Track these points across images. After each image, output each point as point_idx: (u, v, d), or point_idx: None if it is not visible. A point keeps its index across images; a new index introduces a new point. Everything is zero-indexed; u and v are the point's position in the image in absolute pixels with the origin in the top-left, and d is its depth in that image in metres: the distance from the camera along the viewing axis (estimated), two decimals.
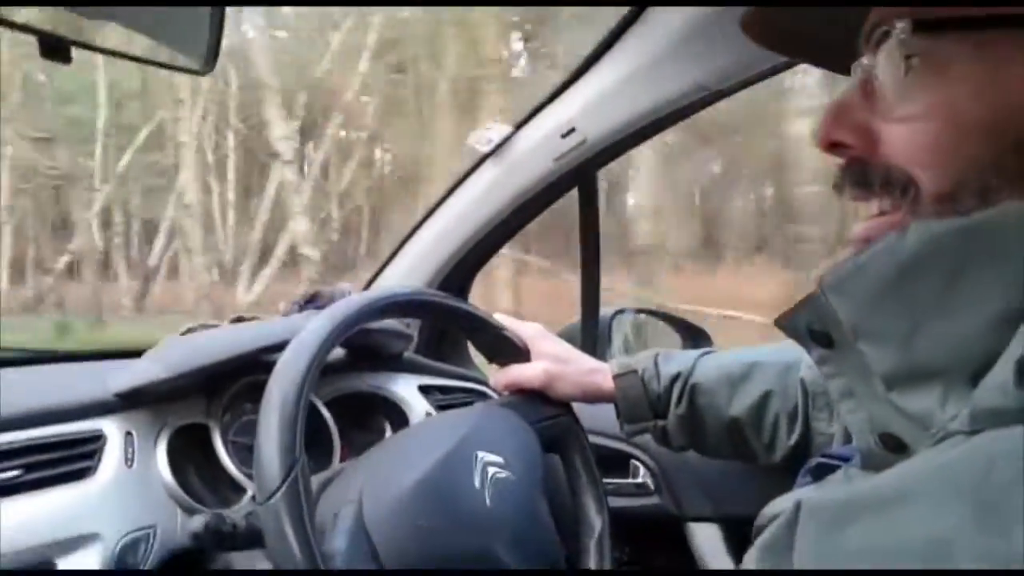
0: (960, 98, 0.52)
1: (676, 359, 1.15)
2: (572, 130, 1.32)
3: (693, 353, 1.16)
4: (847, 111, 0.58)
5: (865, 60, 0.58)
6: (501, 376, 1.15)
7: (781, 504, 0.62)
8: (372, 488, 0.89)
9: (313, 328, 0.91)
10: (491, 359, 1.17)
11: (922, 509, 0.41)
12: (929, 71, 0.53)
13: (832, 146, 0.59)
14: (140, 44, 0.75)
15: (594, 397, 1.15)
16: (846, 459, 0.68)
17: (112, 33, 0.72)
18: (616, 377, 1.15)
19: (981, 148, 0.51)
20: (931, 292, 0.51)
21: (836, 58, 0.64)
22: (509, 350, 1.14)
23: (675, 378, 1.12)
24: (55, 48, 0.63)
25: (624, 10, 1.16)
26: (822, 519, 0.46)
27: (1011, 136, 0.51)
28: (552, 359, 1.14)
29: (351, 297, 0.98)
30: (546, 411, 1.11)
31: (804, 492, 0.65)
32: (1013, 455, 0.40)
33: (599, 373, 1.16)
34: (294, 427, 0.83)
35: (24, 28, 0.62)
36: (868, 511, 0.44)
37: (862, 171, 0.58)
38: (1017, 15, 0.51)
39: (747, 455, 1.11)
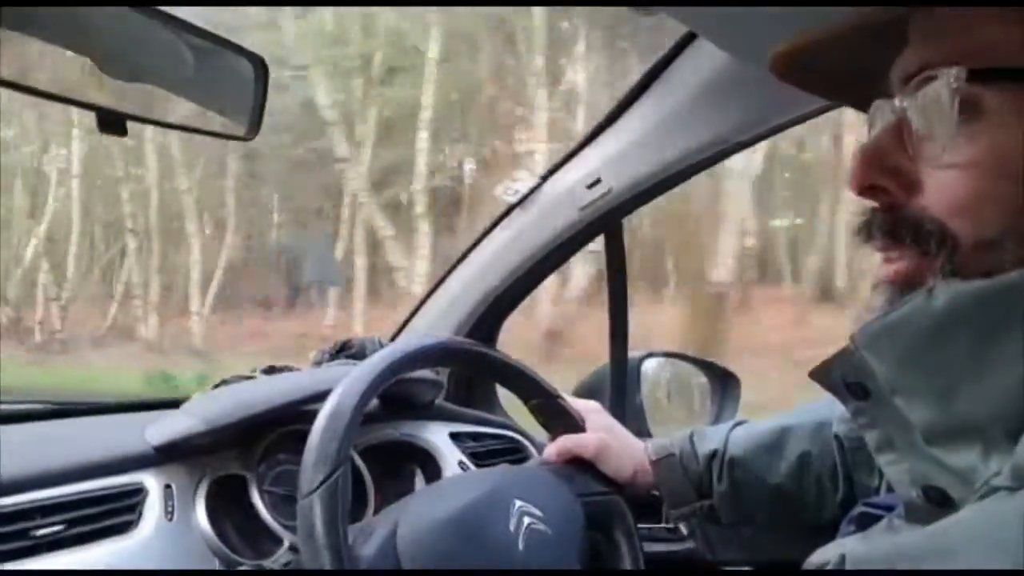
0: (1006, 147, 0.52)
1: (709, 436, 1.14)
2: (598, 180, 1.35)
3: (724, 427, 1.15)
4: (882, 154, 0.58)
5: (898, 102, 0.58)
6: (553, 445, 1.14)
7: (826, 553, 0.62)
8: (408, 515, 0.91)
9: (377, 357, 0.96)
10: (546, 427, 1.16)
11: (964, 564, 0.42)
12: (977, 119, 0.53)
13: (868, 190, 0.59)
14: (188, 114, 0.78)
15: (641, 476, 1.14)
16: (890, 508, 0.67)
17: (162, 104, 0.75)
18: (654, 463, 1.14)
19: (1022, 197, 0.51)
20: (963, 352, 0.51)
21: (854, 94, 0.65)
22: (565, 420, 1.15)
23: (712, 456, 1.11)
24: (111, 122, 0.66)
25: (646, 66, 1.19)
26: (868, 572, 0.47)
27: None
28: (606, 432, 1.15)
29: (398, 343, 1.01)
30: (596, 487, 1.11)
31: (849, 543, 0.65)
32: None
33: (645, 453, 1.16)
34: (344, 435, 0.87)
35: (83, 104, 0.66)
36: (913, 565, 0.44)
37: (893, 220, 0.57)
38: None
39: (798, 521, 1.09)
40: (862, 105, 0.64)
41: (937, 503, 0.56)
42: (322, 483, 0.83)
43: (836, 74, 0.65)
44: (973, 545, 0.42)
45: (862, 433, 0.64)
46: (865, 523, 0.69)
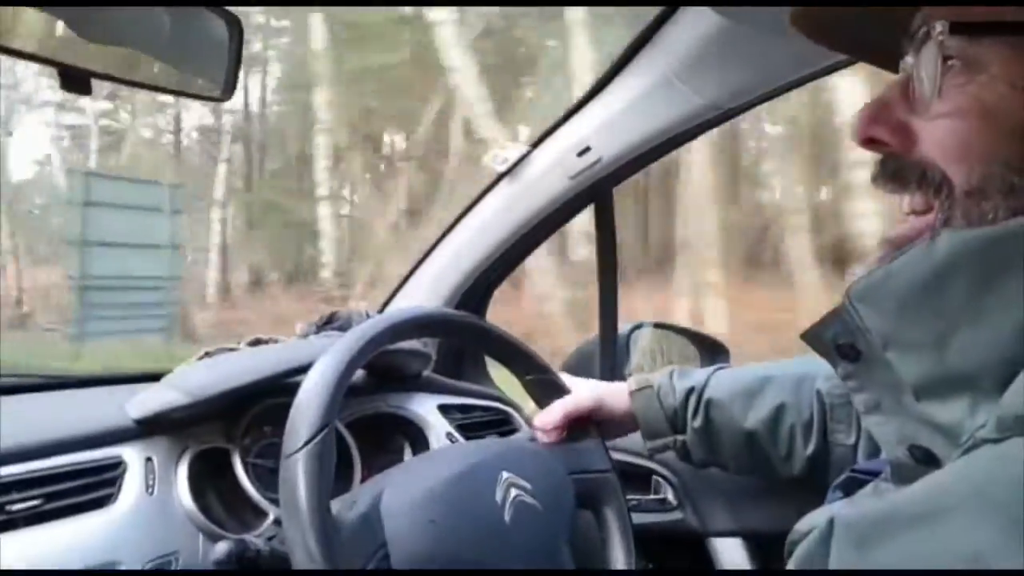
0: (993, 98, 0.53)
1: (691, 375, 1.16)
2: (587, 149, 1.33)
3: (708, 369, 1.17)
4: (886, 109, 0.60)
5: (908, 59, 0.59)
6: (547, 414, 1.12)
7: (814, 519, 0.63)
8: (394, 484, 0.91)
9: (365, 326, 0.95)
10: (539, 402, 1.16)
11: (955, 524, 0.42)
12: (965, 71, 0.54)
13: (869, 142, 0.60)
14: (160, 74, 0.76)
15: (631, 416, 1.15)
16: (876, 473, 0.67)
17: (132, 63, 0.72)
18: (632, 393, 1.15)
19: (1009, 147, 0.53)
20: (961, 300, 0.52)
21: (885, 56, 0.64)
22: (558, 395, 1.14)
23: (689, 392, 1.13)
24: (75, 79, 0.64)
25: (636, 31, 1.17)
26: (857, 535, 0.47)
27: None
28: (595, 385, 1.17)
29: (386, 314, 1.00)
30: (588, 464, 1.10)
31: (837, 507, 0.65)
32: None
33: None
34: (330, 398, 0.86)
35: (44, 60, 0.63)
36: (903, 527, 0.44)
37: (898, 167, 0.59)
38: None
39: (766, 468, 1.12)
40: (891, 65, 0.64)
41: (922, 462, 0.57)
42: (306, 443, 0.82)
43: (864, 33, 0.65)
44: (957, 502, 0.43)
45: (852, 396, 0.64)
46: (852, 488, 0.70)
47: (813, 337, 0.63)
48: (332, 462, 0.85)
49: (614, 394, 1.16)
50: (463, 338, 1.18)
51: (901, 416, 0.59)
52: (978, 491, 0.42)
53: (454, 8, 9.02)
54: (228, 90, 0.77)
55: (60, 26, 0.68)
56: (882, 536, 0.45)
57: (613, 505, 1.09)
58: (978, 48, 0.54)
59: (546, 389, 1.14)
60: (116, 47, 0.71)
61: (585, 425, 1.13)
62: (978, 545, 0.39)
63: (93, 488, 0.97)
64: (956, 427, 0.52)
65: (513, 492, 0.94)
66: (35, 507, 0.91)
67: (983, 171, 0.53)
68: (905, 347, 0.55)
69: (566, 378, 1.19)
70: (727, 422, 1.10)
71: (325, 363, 0.90)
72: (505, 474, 0.95)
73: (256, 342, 1.34)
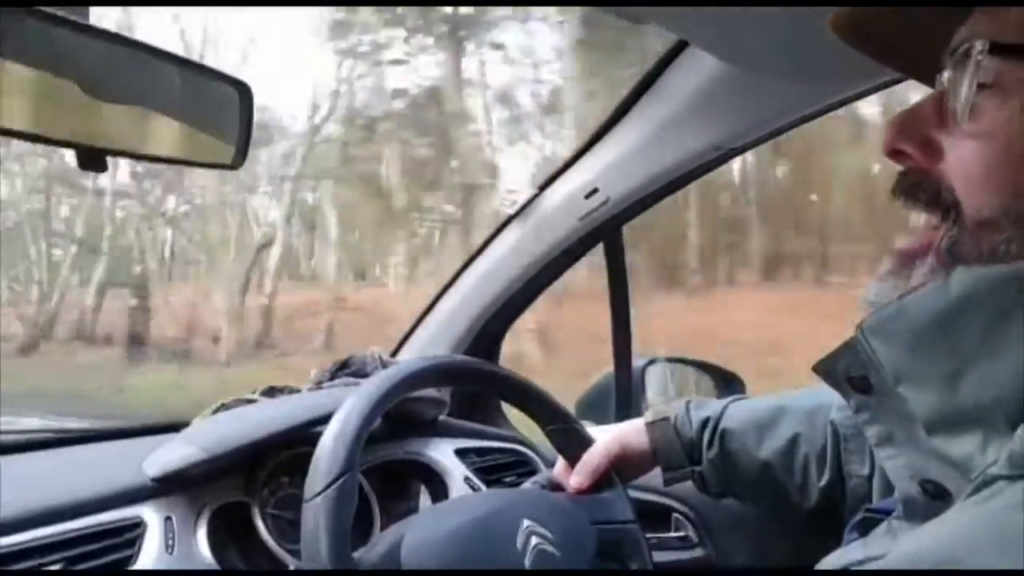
0: (1018, 123, 0.52)
1: (707, 405, 1.15)
2: (595, 190, 1.35)
3: (724, 400, 1.16)
4: (916, 122, 0.59)
5: (946, 74, 0.58)
6: (580, 477, 1.12)
7: (832, 562, 0.62)
8: (415, 527, 0.91)
9: (386, 375, 0.96)
10: (562, 451, 1.16)
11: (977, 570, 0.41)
12: (1000, 94, 0.54)
13: (895, 153, 0.60)
14: (173, 145, 0.76)
15: (654, 454, 1.15)
16: (890, 512, 0.67)
17: (145, 137, 0.73)
18: (649, 425, 1.15)
19: None
20: (974, 336, 0.52)
21: (923, 67, 0.64)
22: (582, 444, 1.14)
23: (705, 423, 1.13)
24: (92, 159, 0.65)
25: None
26: None
27: None
28: (614, 429, 1.16)
29: (414, 360, 1.00)
30: (610, 514, 1.09)
31: (853, 551, 0.65)
32: None
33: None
34: (353, 441, 0.87)
35: (61, 143, 0.64)
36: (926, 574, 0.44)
37: (915, 183, 0.59)
38: None
39: (781, 499, 1.11)
40: (927, 77, 0.63)
41: (934, 497, 0.57)
42: (329, 486, 0.83)
43: (900, 42, 0.65)
44: (978, 548, 0.42)
45: (863, 429, 0.64)
46: (867, 529, 0.69)
47: (825, 369, 0.63)
48: (352, 507, 0.85)
49: (634, 432, 1.15)
50: (483, 386, 1.18)
51: (913, 450, 0.59)
52: (996, 535, 0.42)
53: None
54: (239, 156, 0.78)
55: (74, 96, 0.69)
56: None
57: (636, 557, 1.08)
58: (1017, 71, 0.53)
59: (569, 439, 1.13)
60: (130, 120, 0.72)
61: (607, 472, 1.12)
62: None
63: (113, 550, 0.97)
64: (967, 462, 0.52)
65: (534, 540, 0.94)
66: (57, 572, 0.91)
67: (999, 202, 0.53)
68: (917, 382, 0.55)
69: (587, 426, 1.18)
70: (742, 452, 1.10)
71: (346, 412, 0.91)
72: (526, 522, 0.95)
73: (271, 391, 1.34)
